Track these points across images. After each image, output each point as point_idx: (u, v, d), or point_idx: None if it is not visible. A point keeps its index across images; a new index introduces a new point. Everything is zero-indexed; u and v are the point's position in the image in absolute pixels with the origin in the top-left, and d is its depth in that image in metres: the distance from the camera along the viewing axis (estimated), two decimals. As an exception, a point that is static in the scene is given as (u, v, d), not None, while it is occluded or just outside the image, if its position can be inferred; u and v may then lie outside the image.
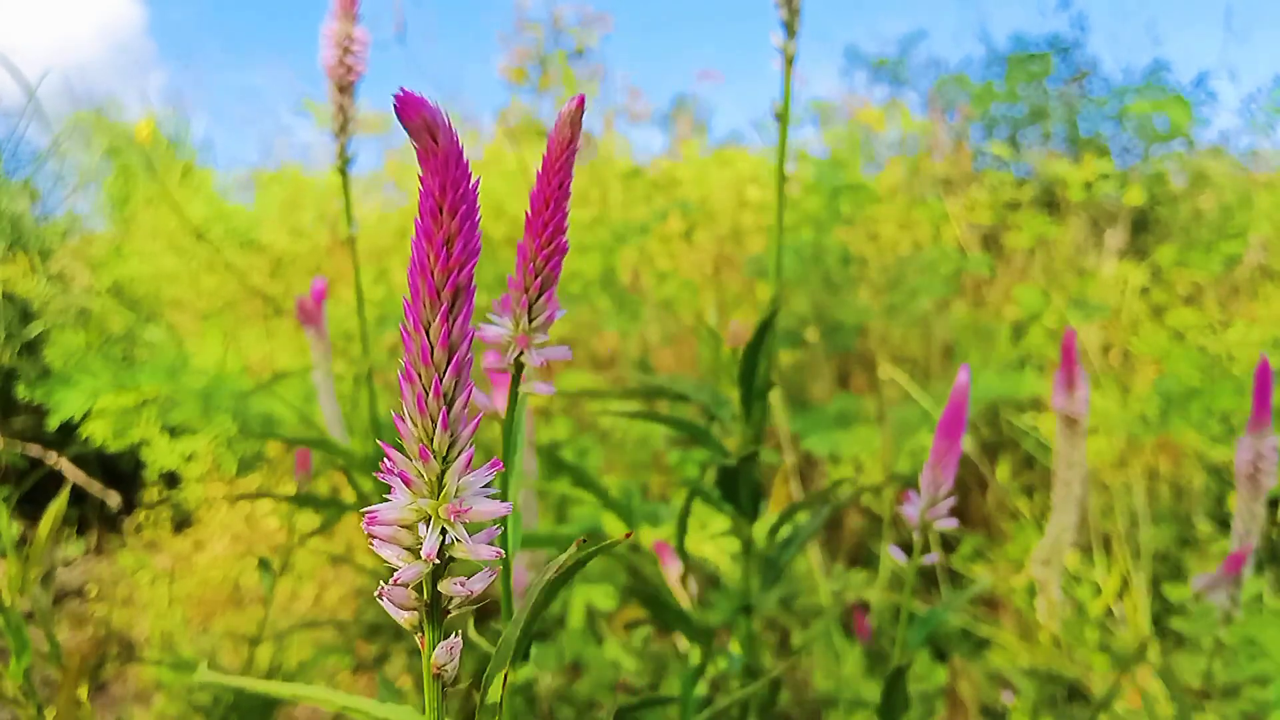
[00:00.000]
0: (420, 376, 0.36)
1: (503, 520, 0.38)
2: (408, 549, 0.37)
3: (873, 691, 1.39)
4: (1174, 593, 1.34)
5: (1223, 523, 1.85)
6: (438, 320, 0.35)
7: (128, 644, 1.82)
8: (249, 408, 1.97)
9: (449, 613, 0.38)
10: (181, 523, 2.07)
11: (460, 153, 0.35)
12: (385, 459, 0.37)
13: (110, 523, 2.26)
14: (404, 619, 0.38)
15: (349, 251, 1.06)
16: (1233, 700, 1.02)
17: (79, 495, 2.31)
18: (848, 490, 1.57)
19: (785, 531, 0.98)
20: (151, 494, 2.07)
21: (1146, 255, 2.36)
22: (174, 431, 2.04)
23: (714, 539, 1.84)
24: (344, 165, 1.02)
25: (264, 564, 1.18)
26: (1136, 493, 1.82)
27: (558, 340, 0.50)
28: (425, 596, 0.38)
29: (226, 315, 2.45)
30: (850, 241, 2.58)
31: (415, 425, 0.36)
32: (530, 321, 0.48)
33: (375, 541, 0.37)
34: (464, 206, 0.35)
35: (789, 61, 0.89)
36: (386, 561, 0.37)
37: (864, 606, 1.76)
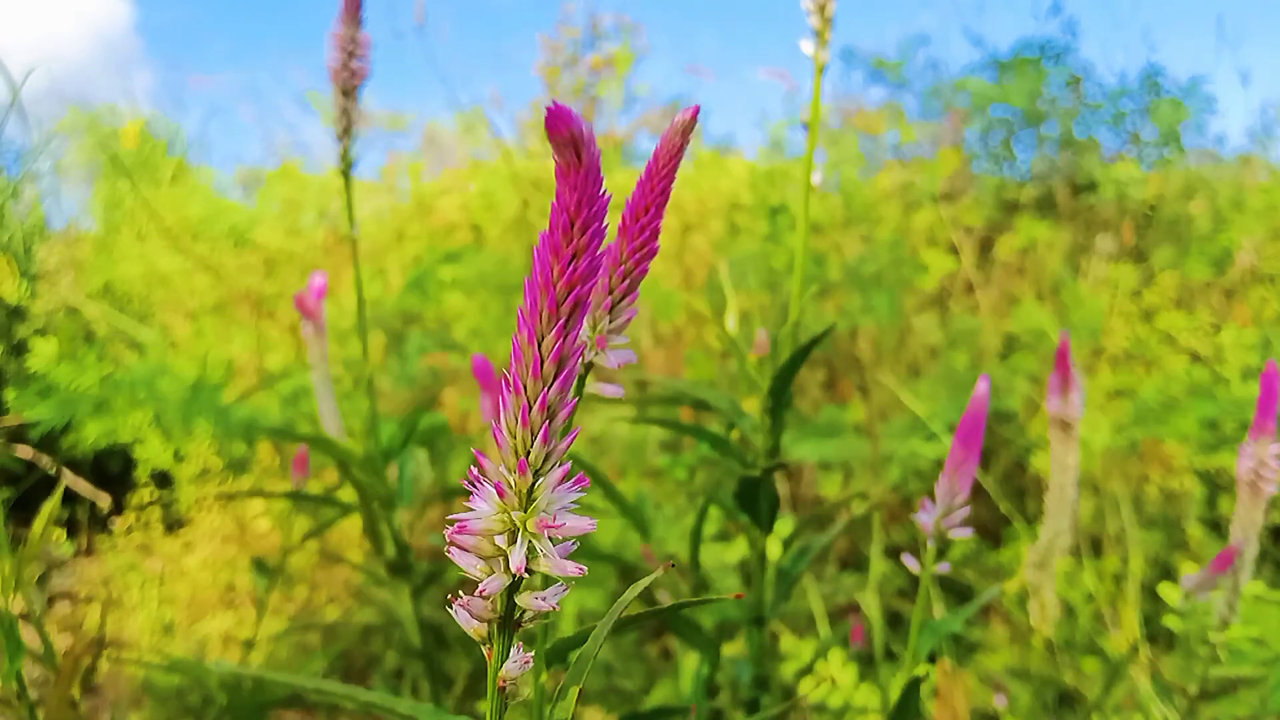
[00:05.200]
0: (526, 389, 0.36)
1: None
2: (487, 560, 0.37)
3: (869, 698, 1.39)
4: (1166, 593, 1.35)
5: (1214, 526, 1.86)
6: (552, 334, 0.35)
7: (119, 645, 1.81)
8: (230, 413, 1.95)
9: (521, 625, 0.38)
10: (173, 524, 2.06)
11: (599, 170, 0.35)
12: (473, 467, 0.37)
13: (101, 524, 2.25)
14: (474, 629, 0.38)
15: (349, 251, 1.06)
16: (1229, 699, 1.03)
17: (69, 496, 2.30)
18: (860, 506, 1.56)
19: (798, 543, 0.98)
20: (142, 495, 2.06)
21: (1139, 258, 2.37)
22: (167, 433, 2.02)
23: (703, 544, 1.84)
24: (347, 168, 1.03)
25: (259, 565, 1.17)
26: (1126, 497, 1.83)
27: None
28: (499, 609, 0.38)
29: (218, 316, 2.43)
30: (844, 244, 2.58)
31: (514, 437, 0.36)
32: (611, 322, 0.47)
33: (453, 550, 0.37)
34: (595, 224, 0.35)
35: (820, 70, 0.89)
36: (464, 571, 0.37)
37: (854, 609, 1.76)
